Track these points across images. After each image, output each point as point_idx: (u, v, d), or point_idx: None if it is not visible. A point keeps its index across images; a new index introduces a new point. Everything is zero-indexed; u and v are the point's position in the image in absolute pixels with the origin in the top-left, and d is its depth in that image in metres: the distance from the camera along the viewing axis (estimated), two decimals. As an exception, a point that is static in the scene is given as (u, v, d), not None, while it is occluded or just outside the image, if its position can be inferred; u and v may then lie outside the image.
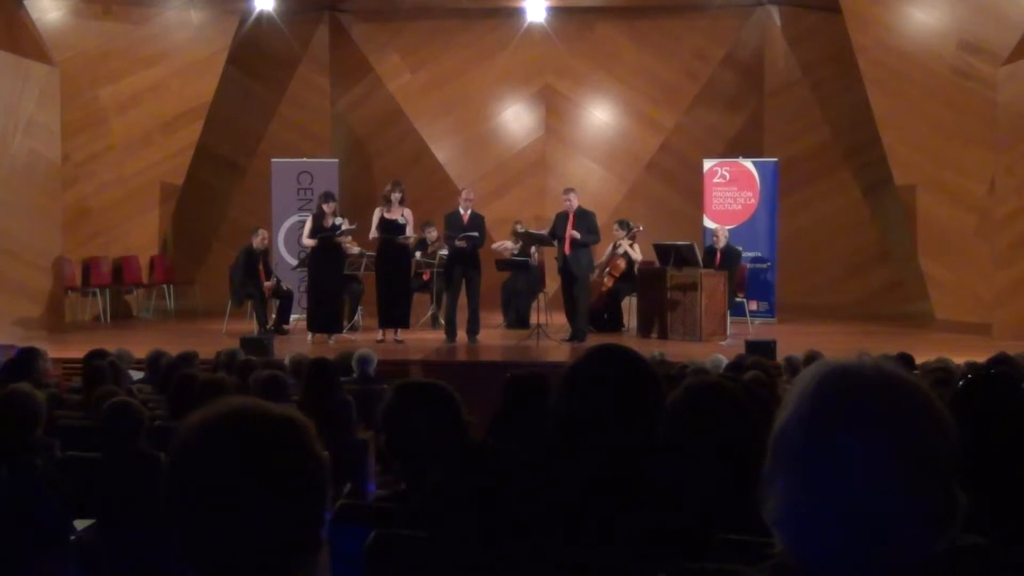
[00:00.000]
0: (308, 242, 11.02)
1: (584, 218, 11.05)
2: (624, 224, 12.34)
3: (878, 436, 1.13)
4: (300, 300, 12.32)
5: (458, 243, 10.75)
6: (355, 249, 12.13)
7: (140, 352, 8.00)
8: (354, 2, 15.87)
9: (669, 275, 11.32)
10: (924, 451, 1.14)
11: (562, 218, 11.14)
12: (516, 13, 15.17)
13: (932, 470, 1.14)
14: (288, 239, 13.48)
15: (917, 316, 13.65)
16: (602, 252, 12.37)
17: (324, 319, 10.92)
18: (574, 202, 11.06)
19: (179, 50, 14.39)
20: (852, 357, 1.22)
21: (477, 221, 10.94)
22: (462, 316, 10.94)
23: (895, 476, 1.12)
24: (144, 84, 14.14)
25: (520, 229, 12.63)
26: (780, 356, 8.47)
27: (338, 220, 10.92)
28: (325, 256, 10.90)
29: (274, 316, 12.02)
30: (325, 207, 10.86)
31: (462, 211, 10.95)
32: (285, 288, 12.13)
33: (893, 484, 1.12)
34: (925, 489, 1.13)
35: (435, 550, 1.93)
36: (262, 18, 14.53)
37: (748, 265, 13.01)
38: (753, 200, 13.41)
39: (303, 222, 11.64)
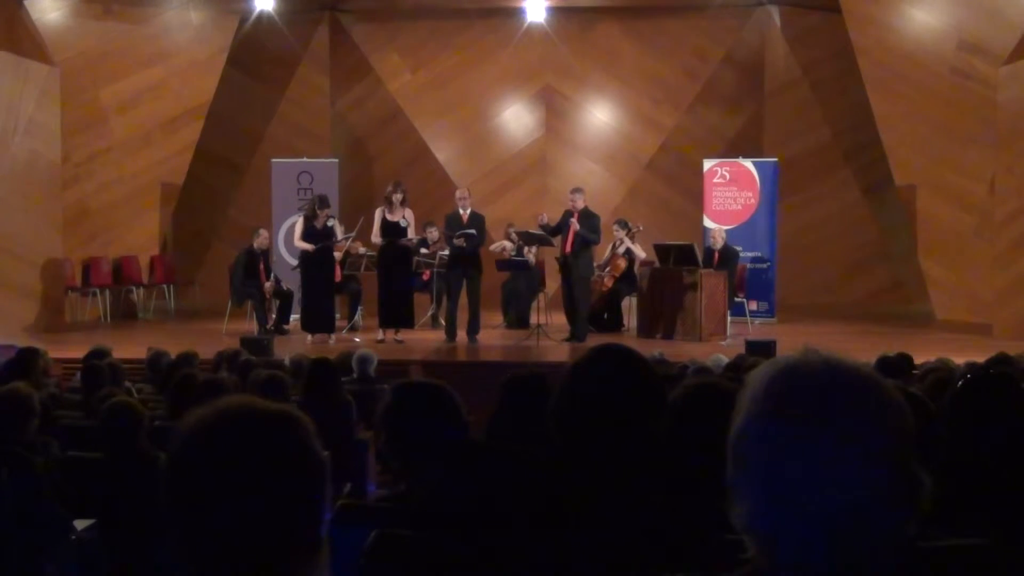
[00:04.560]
0: (302, 245, 11.00)
1: (588, 219, 11.05)
2: (624, 224, 12.34)
3: (829, 431, 1.11)
4: (300, 300, 12.32)
5: (456, 241, 10.75)
6: (360, 249, 12.14)
7: (140, 352, 7.99)
8: (354, 2, 15.87)
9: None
10: (878, 440, 1.11)
11: (567, 217, 11.13)
12: (516, 13, 15.17)
13: (889, 458, 1.11)
14: (288, 239, 13.46)
15: (917, 316, 13.66)
16: (602, 253, 12.36)
17: (317, 320, 10.96)
18: (579, 203, 11.06)
19: (179, 50, 14.39)
20: (798, 353, 1.18)
21: (477, 220, 10.94)
22: (462, 316, 10.94)
23: (851, 470, 1.10)
24: (144, 84, 14.14)
25: (514, 231, 12.59)
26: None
27: (330, 223, 10.93)
28: (315, 258, 10.91)
29: (274, 316, 12.02)
30: (319, 212, 10.87)
31: (460, 211, 10.95)
32: (285, 288, 12.13)
33: (851, 477, 1.10)
34: (884, 479, 1.11)
35: (435, 550, 1.93)
36: (262, 18, 14.54)
37: (748, 265, 13.00)
38: (753, 200, 13.41)
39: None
